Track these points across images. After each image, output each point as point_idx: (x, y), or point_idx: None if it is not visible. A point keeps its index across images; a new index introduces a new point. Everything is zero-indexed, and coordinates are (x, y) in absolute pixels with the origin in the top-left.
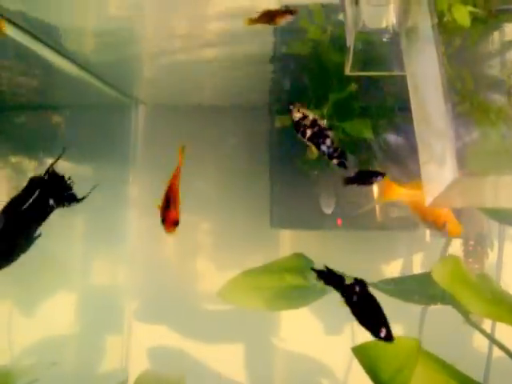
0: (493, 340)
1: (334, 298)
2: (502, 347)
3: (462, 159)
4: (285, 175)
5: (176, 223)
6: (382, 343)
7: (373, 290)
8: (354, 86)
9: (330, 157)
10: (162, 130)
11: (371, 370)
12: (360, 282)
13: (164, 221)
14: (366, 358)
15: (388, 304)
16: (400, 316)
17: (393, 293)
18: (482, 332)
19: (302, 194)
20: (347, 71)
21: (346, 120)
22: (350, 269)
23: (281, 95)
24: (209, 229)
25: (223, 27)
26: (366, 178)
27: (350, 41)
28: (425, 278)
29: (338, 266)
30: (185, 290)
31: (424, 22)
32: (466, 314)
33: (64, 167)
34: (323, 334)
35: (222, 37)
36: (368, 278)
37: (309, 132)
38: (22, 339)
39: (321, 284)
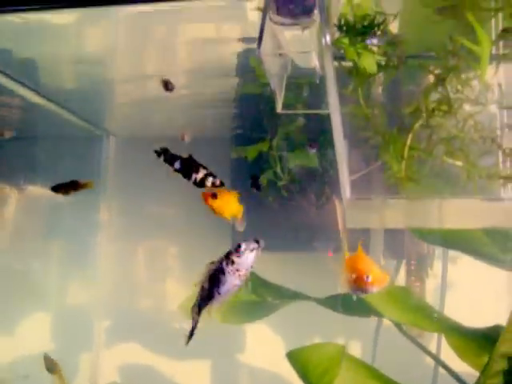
0: (424, 349)
1: (291, 314)
2: (435, 358)
3: (359, 186)
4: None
5: None
6: (311, 349)
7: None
8: (301, 121)
9: None
10: (131, 160)
11: (302, 373)
12: None
13: None
14: (297, 363)
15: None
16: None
17: (334, 307)
18: (418, 345)
19: (261, 217)
20: (278, 109)
21: (294, 151)
22: (299, 287)
23: (241, 128)
24: (176, 252)
25: (190, 70)
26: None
27: (275, 84)
28: None
29: (292, 287)
30: (154, 309)
31: (329, 68)
32: (400, 327)
33: (41, 193)
34: (285, 349)
35: (188, 78)
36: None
37: None
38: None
39: (272, 301)
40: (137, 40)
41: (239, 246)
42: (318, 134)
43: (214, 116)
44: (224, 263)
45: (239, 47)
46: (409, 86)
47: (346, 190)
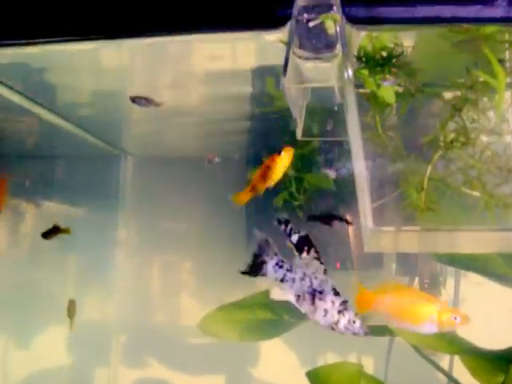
0: (437, 367)
1: (306, 331)
2: (448, 376)
3: (379, 214)
4: (258, 214)
5: None
6: (331, 368)
7: None
8: (316, 143)
9: None
10: (148, 178)
11: None
12: None
13: None
14: (317, 381)
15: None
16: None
17: None
18: (431, 362)
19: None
20: (299, 137)
21: (309, 172)
22: None
23: (256, 149)
24: (191, 268)
25: (205, 93)
26: (327, 219)
27: (296, 112)
28: None
29: None
30: (169, 324)
31: (351, 100)
32: (415, 346)
33: (60, 211)
34: (299, 366)
35: (204, 101)
36: None
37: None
38: (16, 371)
39: (289, 319)
40: (154, 62)
41: (354, 322)
42: (335, 155)
43: (230, 136)
44: (331, 301)
45: (255, 69)
46: (426, 115)
47: (368, 218)
